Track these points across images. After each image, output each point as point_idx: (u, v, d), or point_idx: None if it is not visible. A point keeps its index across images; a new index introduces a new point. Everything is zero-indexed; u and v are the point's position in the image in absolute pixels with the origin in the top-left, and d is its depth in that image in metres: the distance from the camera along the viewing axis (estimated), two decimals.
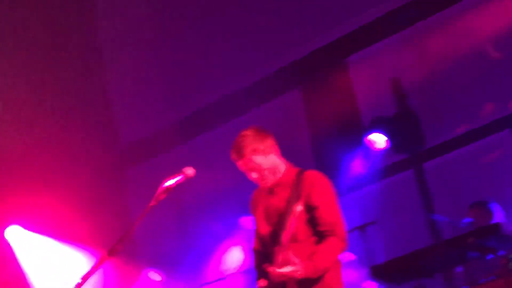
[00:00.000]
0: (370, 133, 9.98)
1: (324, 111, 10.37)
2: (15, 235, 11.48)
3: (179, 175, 5.12)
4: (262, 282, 5.35)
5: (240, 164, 5.39)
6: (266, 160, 5.35)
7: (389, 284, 8.44)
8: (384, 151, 10.00)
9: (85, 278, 4.81)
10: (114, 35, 12.56)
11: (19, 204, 11.23)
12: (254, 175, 5.39)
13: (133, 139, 12.22)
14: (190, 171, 5.14)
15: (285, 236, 5.10)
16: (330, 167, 9.73)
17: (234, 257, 10.23)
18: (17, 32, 11.72)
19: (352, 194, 9.84)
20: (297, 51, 10.76)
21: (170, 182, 5.06)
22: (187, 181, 5.18)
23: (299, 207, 5.08)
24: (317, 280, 5.20)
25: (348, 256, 8.43)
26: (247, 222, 9.13)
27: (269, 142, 5.40)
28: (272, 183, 5.43)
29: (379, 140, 9.95)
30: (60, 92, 11.70)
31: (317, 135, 10.58)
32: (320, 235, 5.27)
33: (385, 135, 9.92)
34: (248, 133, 5.38)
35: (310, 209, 5.28)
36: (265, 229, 5.47)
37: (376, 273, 8.20)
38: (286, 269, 5.06)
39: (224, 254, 10.50)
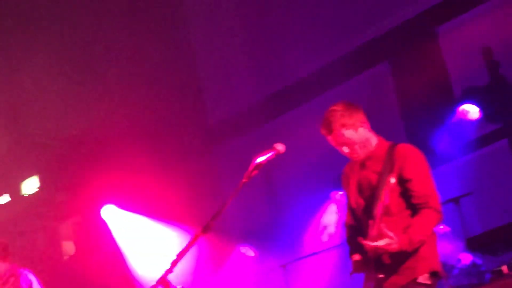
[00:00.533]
0: (462, 103, 9.81)
1: (414, 83, 10.21)
2: (111, 214, 11.74)
3: (270, 151, 5.12)
4: (356, 256, 5.34)
5: (330, 139, 5.38)
6: (356, 134, 5.32)
7: (485, 255, 8.32)
8: (477, 122, 9.82)
9: (180, 255, 4.86)
10: (203, 16, 12.65)
11: (114, 184, 11.47)
12: (345, 149, 5.37)
13: (223, 116, 12.29)
14: (280, 147, 5.14)
15: (378, 209, 5.07)
16: (422, 140, 9.59)
17: (326, 231, 10.23)
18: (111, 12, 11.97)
19: (445, 166, 9.68)
20: (386, 23, 10.61)
21: (261, 159, 5.06)
22: (278, 157, 5.19)
23: (392, 179, 5.02)
24: (412, 252, 5.17)
25: (443, 228, 8.35)
26: (338, 196, 9.11)
27: (359, 116, 5.36)
28: (363, 156, 5.40)
29: (471, 110, 9.78)
30: (150, 73, 11.86)
31: (407, 107, 10.44)
32: (414, 208, 5.22)
33: (478, 106, 9.74)
34: (337, 107, 5.35)
35: (403, 182, 5.24)
36: (358, 203, 5.45)
37: (472, 244, 8.09)
38: (381, 243, 5.03)
39: (316, 229, 10.50)
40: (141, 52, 11.99)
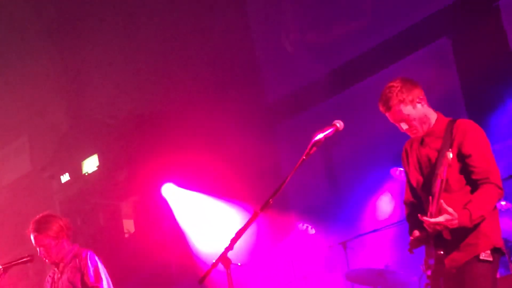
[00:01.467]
0: None
1: (475, 58, 10.05)
2: (170, 192, 11.83)
3: (329, 129, 5.10)
4: (416, 233, 5.31)
5: (389, 115, 5.37)
6: (414, 111, 5.30)
7: None
8: None
9: (239, 233, 4.88)
10: None
11: (173, 162, 11.56)
12: (403, 126, 5.36)
13: (282, 94, 12.26)
14: (339, 123, 5.13)
15: (437, 185, 5.02)
16: (483, 115, 9.45)
17: (387, 208, 10.16)
18: None
19: (508, 141, 9.53)
20: None
21: (320, 136, 5.05)
22: (337, 134, 5.17)
23: (450, 154, 4.98)
24: (473, 228, 5.12)
25: (505, 205, 8.23)
26: (398, 173, 9.04)
27: (417, 92, 5.34)
28: (422, 133, 5.37)
29: None
30: (208, 51, 11.89)
31: (468, 83, 10.28)
32: (474, 184, 5.17)
33: None
34: (395, 84, 5.34)
35: (463, 157, 5.19)
36: (418, 180, 5.43)
37: None
38: (440, 219, 4.99)
39: (376, 206, 10.45)
40: (199, 31, 12.03)
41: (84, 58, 13.04)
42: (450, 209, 4.96)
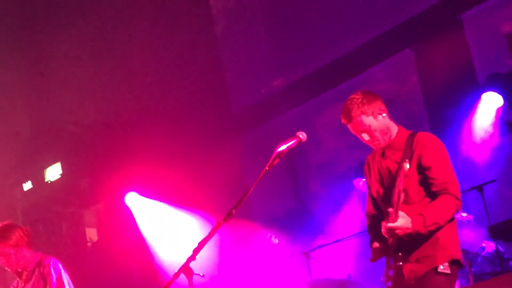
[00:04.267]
0: (486, 90, 9.75)
1: (437, 70, 10.16)
2: (134, 201, 11.80)
3: (292, 140, 5.13)
4: (376, 244, 5.36)
5: (350, 126, 5.43)
6: (375, 121, 5.36)
7: (508, 243, 8.28)
8: (502, 109, 9.76)
9: (202, 243, 4.89)
10: (226, 4, 12.65)
11: (137, 171, 11.52)
12: (365, 137, 5.41)
13: (245, 105, 12.30)
14: (302, 135, 5.16)
15: (396, 197, 5.07)
16: (445, 127, 9.55)
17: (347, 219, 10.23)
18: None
19: (470, 153, 9.64)
20: (410, 10, 10.55)
21: (283, 147, 5.07)
22: (300, 145, 5.20)
23: (407, 165, 5.03)
24: (431, 240, 5.17)
25: (466, 216, 8.31)
26: (361, 184, 9.11)
27: (378, 104, 5.41)
28: (383, 144, 5.43)
29: (495, 98, 9.71)
30: (175, 60, 11.88)
31: (430, 94, 10.39)
32: (433, 196, 5.23)
33: (501, 93, 9.66)
34: (356, 96, 5.41)
35: (422, 169, 5.25)
36: (378, 191, 5.49)
37: (494, 232, 8.05)
38: (397, 223, 5.04)
39: (337, 217, 10.51)
40: (165, 40, 12.02)
41: (48, 63, 12.96)
42: (402, 213, 5.02)
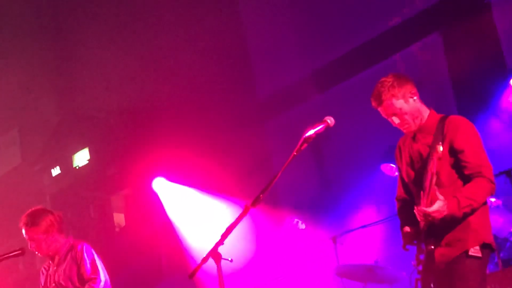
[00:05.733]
0: None
1: (466, 54, 10.07)
2: (161, 186, 11.83)
3: (320, 125, 5.12)
4: (407, 229, 5.34)
5: (381, 109, 5.40)
6: (406, 105, 5.34)
7: None
8: None
9: (230, 228, 4.90)
10: None
11: (165, 156, 11.56)
12: (395, 120, 5.38)
13: (273, 90, 12.27)
14: (330, 120, 5.14)
15: (428, 179, 5.05)
16: (473, 111, 9.48)
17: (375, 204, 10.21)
18: None
19: (499, 138, 9.56)
20: None
21: (311, 132, 5.07)
22: (328, 130, 5.18)
23: (440, 147, 5.01)
24: (463, 222, 5.15)
25: (495, 201, 8.26)
26: (389, 169, 9.08)
27: (409, 87, 5.38)
28: (414, 128, 5.40)
29: None
30: (201, 46, 11.88)
31: (459, 79, 10.31)
32: (466, 179, 5.20)
33: None
34: (387, 79, 5.39)
35: (455, 153, 5.22)
36: (409, 176, 5.46)
37: None
38: (431, 208, 5.01)
39: (365, 201, 10.49)
40: (190, 26, 12.02)
41: (76, 51, 13.02)
42: (440, 196, 5.00)
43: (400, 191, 5.65)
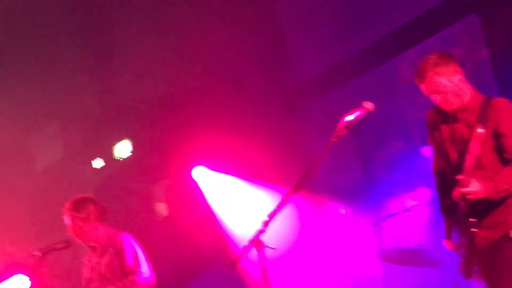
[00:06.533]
0: None
1: (505, 35, 9.95)
2: (201, 175, 11.88)
3: (359, 110, 5.11)
4: (447, 201, 5.33)
5: (423, 87, 5.39)
6: (449, 82, 5.32)
7: None
8: None
9: (271, 215, 4.91)
10: None
11: (204, 145, 11.59)
12: (437, 98, 5.35)
13: (310, 74, 12.23)
14: (369, 105, 5.13)
15: (469, 161, 5.03)
16: None
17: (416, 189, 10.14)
18: None
19: None
20: None
21: (349, 117, 5.06)
22: (367, 114, 5.17)
23: (480, 130, 4.98)
24: (502, 204, 5.12)
25: None
26: (429, 152, 9.02)
27: (452, 65, 5.36)
28: (456, 106, 5.36)
29: None
30: (239, 33, 11.87)
31: (498, 60, 10.19)
32: (507, 163, 5.16)
33: None
34: (431, 56, 5.40)
35: (497, 136, 5.18)
36: (450, 155, 5.42)
37: None
38: (468, 188, 5.00)
39: (406, 186, 10.43)
40: (227, 12, 12.01)
41: (115, 43, 13.10)
42: (477, 179, 4.98)
43: (436, 165, 5.63)
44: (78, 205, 7.14)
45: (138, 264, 6.94)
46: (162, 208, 13.36)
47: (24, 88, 13.06)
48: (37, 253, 7.06)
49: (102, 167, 13.57)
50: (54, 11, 13.08)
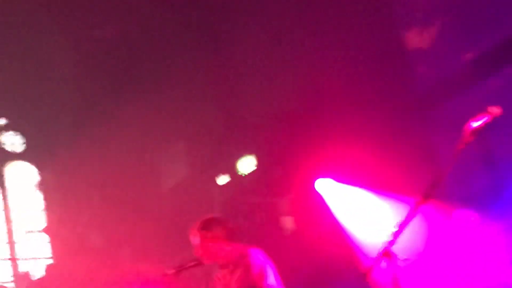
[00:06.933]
0: None
1: None
2: (326, 187, 11.86)
3: (485, 116, 4.99)
4: None
5: None
6: None
7: None
8: None
9: (401, 225, 4.84)
10: None
11: (328, 157, 11.57)
12: None
13: (433, 79, 12.03)
14: (496, 109, 5.00)
15: None
16: None
17: None
18: None
19: None
20: None
21: (476, 124, 4.95)
22: (494, 120, 5.05)
23: None
24: None
25: None
26: None
27: None
28: None
29: None
30: (359, 43, 11.80)
31: None
32: None
33: None
34: None
35: None
36: None
37: None
38: None
39: None
40: (343, 21, 11.97)
41: (235, 59, 13.30)
42: None
43: None
44: (206, 225, 7.20)
45: (267, 279, 6.94)
46: (288, 222, 13.39)
47: (150, 110, 13.42)
48: (170, 271, 7.17)
49: (227, 183, 13.74)
50: (183, 41, 13.42)
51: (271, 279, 7.01)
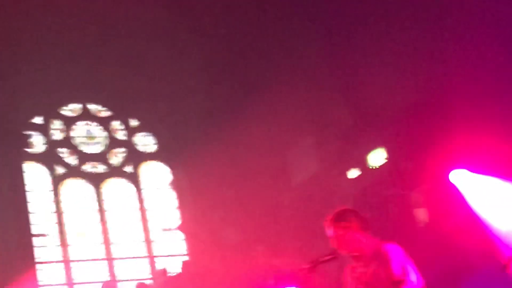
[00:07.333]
0: None
1: None
2: (459, 178, 11.64)
3: None
4: None
5: None
6: None
7: None
8: None
9: None
10: None
11: (461, 147, 11.36)
12: None
13: None
14: None
15: None
16: None
17: None
18: None
19: None
20: None
21: None
22: None
23: None
24: None
25: None
26: None
27: None
28: None
29: None
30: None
31: None
32: None
33: None
34: None
35: None
36: None
37: None
38: None
39: None
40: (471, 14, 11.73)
41: (364, 52, 13.23)
42: None
43: None
44: (340, 216, 7.18)
45: (406, 274, 6.84)
46: (422, 214, 13.18)
47: (278, 107, 13.52)
48: (306, 265, 7.18)
49: (358, 177, 13.67)
50: (309, 35, 13.48)
51: (413, 276, 6.92)
